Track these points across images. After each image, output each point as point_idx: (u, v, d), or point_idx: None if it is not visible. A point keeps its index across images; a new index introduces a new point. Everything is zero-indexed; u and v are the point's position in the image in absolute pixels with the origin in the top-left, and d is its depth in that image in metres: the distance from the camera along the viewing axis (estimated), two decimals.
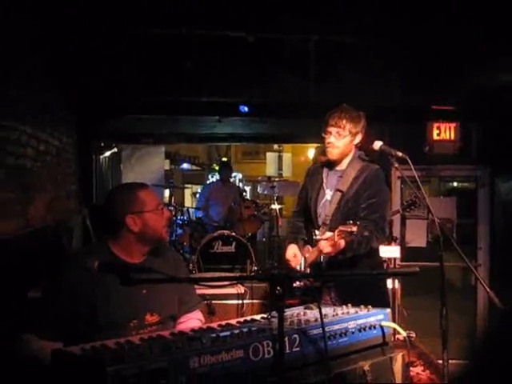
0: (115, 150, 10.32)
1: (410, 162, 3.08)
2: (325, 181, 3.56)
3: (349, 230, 3.05)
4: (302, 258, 3.55)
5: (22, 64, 4.68)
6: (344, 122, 3.42)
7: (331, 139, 3.45)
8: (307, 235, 3.71)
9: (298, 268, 3.55)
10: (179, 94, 6.76)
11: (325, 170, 3.59)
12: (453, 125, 7.63)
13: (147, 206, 2.56)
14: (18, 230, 4.47)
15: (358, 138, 3.50)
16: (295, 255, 3.56)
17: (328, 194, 3.53)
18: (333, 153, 3.49)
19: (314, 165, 3.85)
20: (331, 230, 3.32)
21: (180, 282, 2.74)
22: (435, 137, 7.64)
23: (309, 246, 3.58)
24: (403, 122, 7.38)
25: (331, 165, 3.58)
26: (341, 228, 3.10)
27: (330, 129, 3.45)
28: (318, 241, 3.42)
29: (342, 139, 3.45)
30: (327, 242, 3.24)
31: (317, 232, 3.50)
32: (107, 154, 9.62)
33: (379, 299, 3.43)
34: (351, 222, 3.05)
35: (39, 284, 4.22)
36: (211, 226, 8.04)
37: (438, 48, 6.17)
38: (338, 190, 3.47)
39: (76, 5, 5.12)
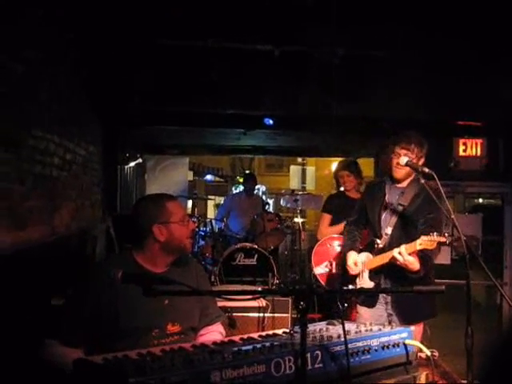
0: (140, 160, 10.41)
1: (436, 178, 3.06)
2: (387, 195, 3.80)
3: (437, 239, 3.29)
4: (363, 266, 3.79)
5: (50, 74, 4.75)
6: (413, 146, 3.64)
7: (401, 161, 3.62)
8: (362, 244, 3.97)
9: (361, 276, 3.81)
10: (205, 106, 6.81)
11: (387, 186, 3.83)
12: (479, 141, 7.56)
13: (174, 216, 2.60)
14: (44, 237, 4.52)
15: (421, 162, 3.71)
16: (356, 263, 3.79)
17: (390, 207, 3.79)
18: (400, 173, 3.72)
19: (368, 183, 4.22)
20: (393, 241, 3.67)
21: (202, 294, 2.74)
22: (461, 152, 7.58)
23: (368, 254, 3.80)
24: (429, 138, 7.31)
25: (393, 182, 3.84)
26: (424, 238, 3.33)
27: (400, 150, 3.64)
28: (379, 249, 3.73)
29: (409, 158, 3.65)
30: (407, 249, 3.44)
31: (378, 241, 3.76)
32: (132, 164, 9.70)
33: (432, 310, 3.92)
34: (435, 233, 3.30)
35: (63, 291, 4.25)
36: (233, 238, 8.03)
37: (465, 63, 6.12)
38: (400, 204, 3.73)
39: (104, 17, 5.19)
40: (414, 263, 3.45)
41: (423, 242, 3.34)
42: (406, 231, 3.70)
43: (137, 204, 2.79)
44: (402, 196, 3.76)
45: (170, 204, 2.63)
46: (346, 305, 3.90)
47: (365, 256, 3.81)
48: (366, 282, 3.79)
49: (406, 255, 3.43)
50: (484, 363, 1.26)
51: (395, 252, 3.47)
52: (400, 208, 3.74)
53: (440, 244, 3.36)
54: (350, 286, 3.81)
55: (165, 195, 2.73)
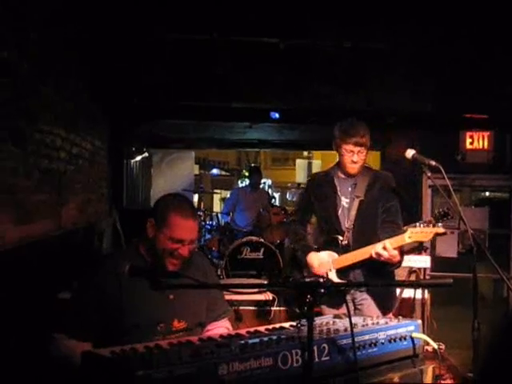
0: (146, 154, 10.43)
1: (442, 170, 3.04)
2: (339, 188, 3.62)
3: (434, 230, 3.15)
4: (331, 265, 3.54)
5: (56, 69, 4.76)
6: (365, 139, 3.48)
7: (355, 158, 3.49)
8: (316, 243, 3.72)
9: (328, 275, 3.54)
10: (210, 100, 6.80)
11: (336, 179, 3.64)
12: (486, 134, 7.53)
13: (168, 229, 2.48)
14: (50, 231, 4.54)
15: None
16: (321, 264, 3.54)
17: (344, 201, 3.60)
18: (356, 169, 3.55)
19: (315, 174, 3.97)
20: (357, 236, 3.50)
21: (209, 288, 2.72)
22: (468, 146, 7.56)
23: (331, 252, 3.55)
24: (435, 130, 7.30)
25: (339, 175, 3.65)
26: (414, 230, 3.17)
27: (353, 148, 3.47)
28: (344, 246, 3.51)
29: (363, 156, 3.53)
30: (393, 244, 3.26)
31: (340, 238, 3.55)
32: (138, 158, 9.71)
33: (393, 303, 3.67)
34: (425, 222, 3.20)
35: (69, 285, 4.28)
36: (239, 232, 8.04)
37: (472, 55, 6.09)
38: (356, 196, 3.56)
39: (110, 12, 5.19)
40: (397, 256, 3.30)
41: (413, 235, 3.19)
42: (368, 223, 3.54)
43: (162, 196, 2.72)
44: (355, 188, 3.59)
45: (175, 218, 2.48)
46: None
47: (327, 255, 3.55)
48: (334, 279, 3.52)
49: (391, 250, 3.25)
50: (484, 355, 1.27)
51: (378, 248, 3.26)
52: (357, 200, 3.57)
53: (437, 235, 3.23)
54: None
55: (183, 209, 2.52)
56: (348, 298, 3.52)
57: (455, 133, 7.50)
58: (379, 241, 3.35)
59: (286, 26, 5.81)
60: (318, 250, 3.60)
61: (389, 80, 6.23)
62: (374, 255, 3.31)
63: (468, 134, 7.52)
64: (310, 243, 3.72)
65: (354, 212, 3.55)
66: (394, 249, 3.25)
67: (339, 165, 3.62)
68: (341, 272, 3.51)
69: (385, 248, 3.25)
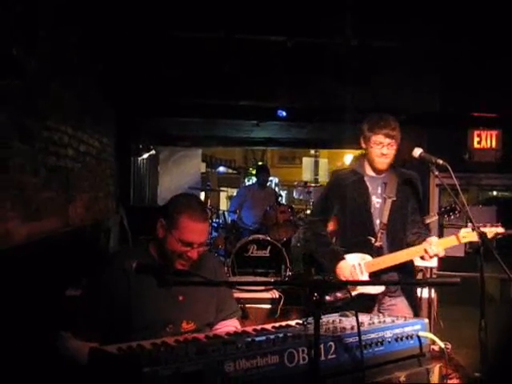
0: (153, 152, 10.45)
1: (450, 169, 3.03)
2: (370, 188, 3.47)
3: (493, 231, 3.08)
4: (363, 269, 3.38)
5: (65, 66, 4.77)
6: (396, 132, 3.37)
7: (384, 150, 3.37)
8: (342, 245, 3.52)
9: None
10: (217, 98, 6.81)
11: (366, 178, 3.49)
12: (494, 132, 7.50)
13: (177, 232, 2.45)
14: (58, 228, 4.56)
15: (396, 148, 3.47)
16: (352, 272, 3.36)
17: (375, 201, 3.47)
18: (385, 164, 3.43)
19: (338, 172, 3.71)
20: (390, 237, 3.41)
21: (217, 285, 2.70)
22: (476, 144, 7.52)
23: (363, 255, 3.40)
24: (443, 129, 7.27)
25: (369, 173, 3.51)
26: (468, 230, 3.11)
27: (383, 139, 3.35)
28: (377, 248, 3.39)
29: (393, 150, 3.41)
30: (443, 244, 3.23)
31: (372, 239, 3.41)
32: (145, 155, 9.73)
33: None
34: (489, 223, 3.10)
35: (77, 282, 4.29)
36: (246, 230, 8.05)
37: (480, 53, 6.07)
38: (387, 197, 3.45)
39: (118, 9, 5.20)
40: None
41: (467, 235, 3.14)
42: (400, 224, 3.45)
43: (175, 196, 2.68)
44: (385, 187, 3.47)
45: (185, 221, 2.44)
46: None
47: (358, 257, 3.40)
48: (368, 287, 3.38)
49: (442, 252, 3.21)
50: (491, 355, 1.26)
51: (432, 248, 3.19)
52: (389, 201, 3.44)
53: (497, 235, 3.14)
54: (338, 295, 3.28)
55: (194, 212, 2.47)
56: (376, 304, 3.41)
57: (463, 131, 7.47)
58: (406, 242, 3.38)
59: (293, 24, 5.81)
60: (347, 252, 3.43)
61: (397, 78, 6.21)
62: (426, 255, 3.24)
63: (476, 132, 7.49)
64: (337, 248, 3.48)
65: (386, 212, 3.44)
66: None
67: (367, 161, 3.49)
68: (374, 276, 3.39)
69: (433, 250, 3.20)
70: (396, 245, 3.42)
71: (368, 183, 3.48)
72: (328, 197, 3.59)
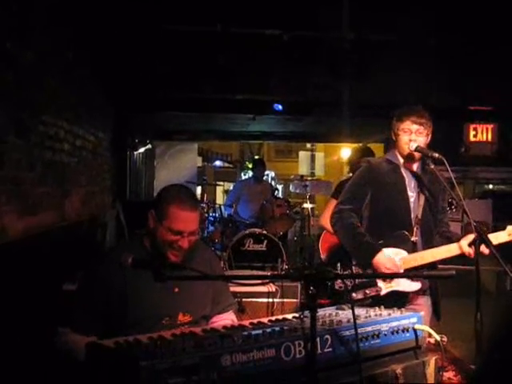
0: (149, 146, 10.44)
1: (446, 163, 3.04)
2: (407, 181, 3.35)
3: None
4: (401, 265, 3.23)
5: (60, 60, 4.75)
6: (424, 119, 3.27)
7: (413, 136, 3.24)
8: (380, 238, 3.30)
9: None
10: (214, 92, 6.80)
11: (403, 170, 3.36)
12: (490, 126, 7.52)
13: (167, 221, 2.46)
14: (54, 223, 4.55)
15: (429, 138, 3.35)
16: (394, 264, 3.19)
17: (410, 194, 3.34)
18: (407, 150, 3.27)
19: (370, 160, 3.52)
20: (424, 232, 3.29)
21: (213, 279, 2.71)
22: (472, 138, 7.54)
23: (399, 250, 3.24)
24: (439, 122, 7.27)
25: (403, 165, 3.39)
26: None
27: (410, 126, 3.25)
28: (413, 243, 3.26)
29: (422, 137, 3.27)
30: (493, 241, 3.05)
31: (407, 233, 3.27)
32: (141, 150, 9.72)
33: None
34: None
35: (73, 277, 4.29)
36: (243, 224, 8.05)
37: (476, 47, 6.07)
38: (421, 192, 3.34)
39: (114, 3, 5.18)
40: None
41: None
42: (431, 220, 3.34)
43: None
44: (418, 182, 3.35)
45: (173, 209, 2.46)
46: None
47: (394, 253, 3.23)
48: (403, 285, 3.21)
49: (486, 249, 2.99)
50: (486, 349, 1.27)
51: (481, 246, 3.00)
52: (422, 196, 3.33)
53: None
54: (367, 292, 3.15)
55: (182, 200, 2.49)
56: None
57: (459, 125, 7.48)
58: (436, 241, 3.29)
59: (289, 18, 5.79)
60: (380, 245, 3.25)
61: (393, 72, 6.21)
62: (465, 251, 3.10)
63: (472, 126, 7.51)
64: (372, 240, 3.27)
65: (420, 208, 3.32)
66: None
67: (398, 153, 3.36)
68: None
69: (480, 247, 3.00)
70: (429, 242, 3.30)
71: (405, 175, 3.36)
72: (361, 183, 3.38)
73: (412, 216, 3.30)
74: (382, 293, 3.17)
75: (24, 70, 3.87)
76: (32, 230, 3.96)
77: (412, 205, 3.32)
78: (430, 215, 3.34)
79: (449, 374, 2.37)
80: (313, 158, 16.44)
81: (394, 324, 2.21)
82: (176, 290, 2.53)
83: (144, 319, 2.42)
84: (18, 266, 3.58)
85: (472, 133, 7.51)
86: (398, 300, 3.06)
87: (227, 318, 2.72)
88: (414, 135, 3.25)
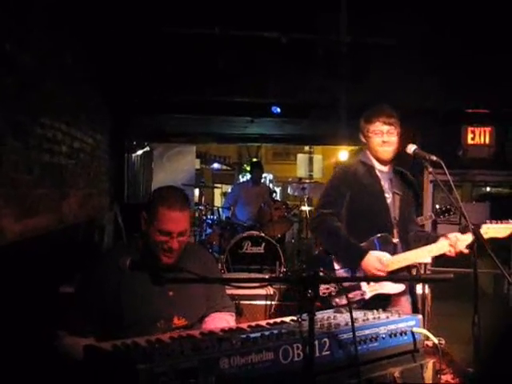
0: (147, 148, 10.43)
1: (444, 166, 3.04)
2: (382, 183, 3.35)
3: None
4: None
5: (58, 62, 4.75)
6: (393, 120, 3.28)
7: (385, 137, 3.26)
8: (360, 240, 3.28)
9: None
10: (212, 94, 6.80)
11: (378, 172, 3.36)
12: (488, 129, 7.52)
13: (157, 223, 2.48)
14: (52, 226, 4.55)
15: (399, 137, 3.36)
16: (383, 264, 3.15)
17: (387, 196, 3.34)
18: (390, 152, 3.31)
19: (345, 163, 3.58)
20: (402, 234, 3.29)
21: (211, 282, 2.71)
22: (469, 141, 7.55)
23: (383, 253, 3.21)
24: (437, 125, 7.29)
25: (377, 166, 3.39)
26: (491, 226, 3.06)
27: (381, 127, 3.26)
28: (395, 245, 3.25)
29: (394, 137, 3.29)
30: (466, 240, 3.11)
31: (389, 236, 3.27)
32: (139, 152, 9.72)
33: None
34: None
35: (71, 280, 4.29)
36: (240, 226, 8.05)
37: (474, 50, 6.08)
38: (396, 193, 3.35)
39: (113, 5, 5.18)
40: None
41: (489, 231, 3.06)
42: (406, 221, 3.36)
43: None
44: (392, 183, 3.35)
45: (161, 210, 2.47)
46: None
47: (377, 256, 3.19)
48: (387, 287, 3.18)
49: (465, 250, 3.08)
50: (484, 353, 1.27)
51: (462, 244, 3.07)
52: (397, 197, 3.33)
53: None
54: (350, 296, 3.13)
55: (170, 201, 2.49)
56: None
57: (457, 128, 7.49)
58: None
59: (287, 21, 5.80)
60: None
61: (390, 75, 6.22)
62: (451, 250, 3.13)
63: (469, 129, 7.51)
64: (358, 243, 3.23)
65: (397, 209, 3.33)
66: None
67: (371, 155, 3.36)
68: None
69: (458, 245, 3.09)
70: (406, 242, 3.31)
71: (380, 176, 3.36)
72: (339, 186, 3.34)
73: (391, 217, 3.30)
74: (367, 296, 3.15)
75: (22, 71, 3.86)
76: (30, 233, 3.96)
77: (390, 206, 3.31)
78: (405, 215, 3.36)
79: (447, 377, 2.37)
80: (311, 160, 16.42)
81: (392, 327, 2.22)
82: (170, 293, 2.53)
83: (139, 322, 2.43)
84: (15, 268, 3.58)
85: (470, 136, 7.52)
86: (381, 302, 3.02)
87: (223, 318, 2.70)
88: (386, 136, 3.27)
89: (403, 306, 3.23)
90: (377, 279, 3.25)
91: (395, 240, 3.27)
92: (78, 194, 5.46)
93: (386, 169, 3.38)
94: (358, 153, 3.53)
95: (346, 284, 3.14)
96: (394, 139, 3.29)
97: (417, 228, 3.46)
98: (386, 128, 3.26)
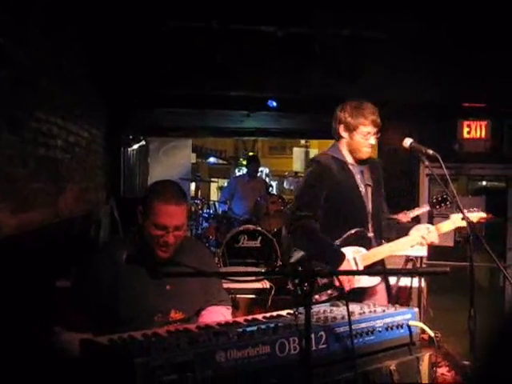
0: (143, 142, 10.41)
1: (440, 160, 3.04)
2: (356, 176, 3.33)
3: (478, 216, 3.17)
4: (359, 264, 3.20)
5: (54, 56, 4.73)
6: (379, 119, 3.28)
7: (372, 140, 3.28)
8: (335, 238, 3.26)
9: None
10: (208, 88, 6.78)
11: (350, 166, 3.34)
12: (483, 123, 7.52)
13: (152, 217, 2.48)
14: (48, 220, 4.54)
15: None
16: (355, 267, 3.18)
17: (362, 190, 3.34)
18: (370, 152, 3.35)
19: (317, 159, 3.41)
20: (376, 227, 3.31)
21: (208, 276, 2.71)
22: (465, 135, 7.54)
23: (357, 248, 3.22)
24: (433, 119, 7.29)
25: (349, 161, 3.37)
26: (461, 216, 3.09)
27: (371, 129, 3.25)
28: (370, 239, 3.29)
29: (377, 138, 3.33)
30: (441, 229, 3.19)
31: (363, 230, 3.27)
32: (135, 146, 9.70)
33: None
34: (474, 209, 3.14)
35: (67, 273, 4.28)
36: (237, 220, 8.05)
37: (469, 44, 6.08)
38: (367, 185, 3.35)
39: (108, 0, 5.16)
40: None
41: (457, 221, 3.16)
42: (379, 213, 3.37)
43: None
44: (363, 176, 3.35)
45: (157, 204, 2.47)
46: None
47: (352, 252, 3.20)
48: (364, 281, 3.20)
49: (437, 239, 3.17)
50: (487, 346, 1.27)
51: (432, 236, 3.13)
52: (369, 189, 3.33)
53: (482, 219, 3.22)
54: (329, 292, 3.13)
55: (166, 195, 2.49)
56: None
57: (453, 122, 7.49)
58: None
59: (284, 14, 5.78)
60: (341, 246, 3.22)
61: (387, 69, 6.21)
62: (423, 241, 3.17)
63: (465, 123, 7.51)
64: (337, 245, 3.23)
65: (370, 202, 3.33)
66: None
67: (346, 149, 3.34)
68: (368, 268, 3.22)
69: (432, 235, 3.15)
70: (379, 234, 3.33)
71: (353, 171, 3.34)
72: (316, 185, 3.27)
73: (366, 211, 3.31)
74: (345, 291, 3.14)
75: (18, 66, 3.84)
76: (25, 227, 3.95)
77: (364, 200, 3.32)
78: (378, 206, 3.37)
79: (442, 370, 2.39)
80: (307, 154, 16.43)
81: (388, 320, 2.22)
82: (168, 287, 2.53)
83: (136, 316, 2.43)
84: (11, 262, 3.57)
85: (466, 129, 7.52)
86: (358, 294, 3.09)
87: (219, 312, 2.70)
88: (373, 138, 3.28)
89: (379, 295, 3.29)
90: (370, 273, 3.27)
91: (370, 234, 3.28)
92: (74, 188, 5.45)
93: (356, 162, 3.37)
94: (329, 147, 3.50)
95: (324, 281, 3.15)
96: (375, 141, 3.32)
97: (386, 216, 3.46)
98: (374, 130, 3.27)
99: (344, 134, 3.34)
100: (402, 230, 3.28)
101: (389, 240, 3.32)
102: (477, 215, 3.23)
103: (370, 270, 3.22)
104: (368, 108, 3.29)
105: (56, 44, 4.78)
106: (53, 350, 2.42)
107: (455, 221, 3.19)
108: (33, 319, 3.57)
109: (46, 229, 4.43)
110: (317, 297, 3.11)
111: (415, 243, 3.21)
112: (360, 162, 3.37)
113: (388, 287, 3.47)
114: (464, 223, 3.09)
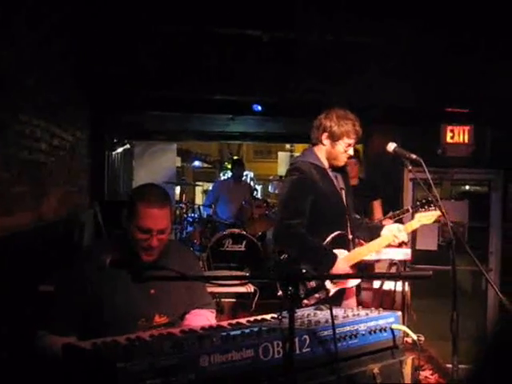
0: (128, 146, 10.36)
1: (423, 164, 3.07)
2: (335, 182, 3.43)
3: (436, 214, 3.28)
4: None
5: (38, 58, 4.70)
6: (360, 133, 3.40)
7: (351, 151, 3.40)
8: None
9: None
10: (193, 91, 6.78)
11: (329, 172, 3.43)
12: (466, 128, 7.58)
13: (136, 220, 2.47)
14: (31, 223, 4.50)
15: None
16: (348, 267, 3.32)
17: (341, 194, 3.45)
18: (345, 162, 3.47)
19: (297, 166, 3.44)
20: (353, 229, 3.42)
21: (192, 280, 2.70)
22: (448, 139, 7.60)
23: (340, 251, 3.31)
24: (416, 124, 7.35)
25: (327, 167, 3.45)
26: (424, 214, 3.29)
27: (354, 141, 3.36)
28: (350, 241, 3.40)
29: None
30: (407, 229, 3.34)
31: (345, 233, 3.37)
32: (120, 150, 9.65)
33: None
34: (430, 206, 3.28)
35: (50, 278, 4.25)
36: (222, 224, 8.04)
37: (453, 49, 6.13)
38: (342, 188, 3.46)
39: (93, 1, 5.13)
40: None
41: (422, 219, 3.31)
42: (353, 214, 3.52)
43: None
44: (337, 180, 3.45)
45: (140, 207, 2.46)
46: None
47: (338, 254, 3.30)
48: (349, 281, 3.31)
49: (406, 238, 3.34)
50: (480, 351, 1.27)
51: (403, 235, 3.27)
52: (343, 192, 3.44)
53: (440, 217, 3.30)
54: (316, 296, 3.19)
55: (149, 198, 2.48)
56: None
57: (436, 127, 7.54)
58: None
59: (269, 19, 5.79)
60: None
61: (372, 74, 6.24)
62: (396, 240, 3.30)
63: (449, 127, 7.57)
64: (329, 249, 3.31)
65: (345, 205, 3.43)
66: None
67: (324, 156, 3.41)
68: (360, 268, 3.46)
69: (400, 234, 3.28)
70: (355, 235, 3.47)
71: (331, 176, 3.44)
72: (301, 195, 3.32)
73: (346, 215, 3.42)
74: (331, 293, 3.26)
75: (1, 67, 3.81)
76: (8, 231, 3.91)
77: (344, 204, 3.43)
78: (351, 208, 3.49)
79: (425, 373, 2.40)
80: (292, 158, 16.47)
81: (372, 324, 2.23)
82: (152, 291, 2.53)
83: (120, 320, 2.42)
84: None
85: (449, 134, 7.58)
86: (338, 297, 3.28)
87: (203, 315, 2.70)
88: (351, 149, 3.40)
89: (353, 294, 3.46)
90: (356, 277, 3.45)
91: (350, 236, 3.39)
92: (58, 192, 5.41)
93: (329, 168, 3.47)
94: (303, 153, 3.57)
95: (312, 285, 3.24)
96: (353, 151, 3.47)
97: (355, 216, 3.57)
98: (355, 141, 3.39)
99: (326, 141, 3.41)
100: (374, 231, 3.44)
101: (363, 241, 3.51)
102: (428, 214, 3.36)
103: (352, 274, 3.36)
104: (353, 119, 3.36)
105: (40, 47, 4.75)
106: (36, 354, 2.40)
107: (420, 219, 3.35)
108: (16, 323, 3.54)
109: (29, 233, 4.39)
110: (306, 302, 3.13)
111: (388, 242, 3.36)
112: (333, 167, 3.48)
113: (358, 286, 3.59)
114: (426, 221, 3.32)
